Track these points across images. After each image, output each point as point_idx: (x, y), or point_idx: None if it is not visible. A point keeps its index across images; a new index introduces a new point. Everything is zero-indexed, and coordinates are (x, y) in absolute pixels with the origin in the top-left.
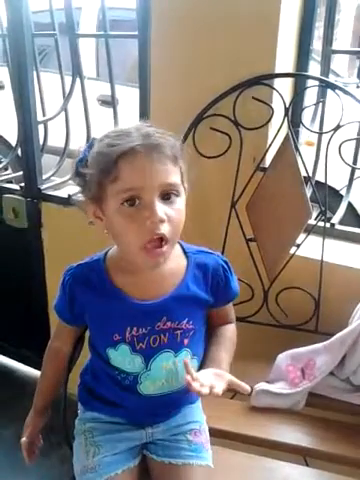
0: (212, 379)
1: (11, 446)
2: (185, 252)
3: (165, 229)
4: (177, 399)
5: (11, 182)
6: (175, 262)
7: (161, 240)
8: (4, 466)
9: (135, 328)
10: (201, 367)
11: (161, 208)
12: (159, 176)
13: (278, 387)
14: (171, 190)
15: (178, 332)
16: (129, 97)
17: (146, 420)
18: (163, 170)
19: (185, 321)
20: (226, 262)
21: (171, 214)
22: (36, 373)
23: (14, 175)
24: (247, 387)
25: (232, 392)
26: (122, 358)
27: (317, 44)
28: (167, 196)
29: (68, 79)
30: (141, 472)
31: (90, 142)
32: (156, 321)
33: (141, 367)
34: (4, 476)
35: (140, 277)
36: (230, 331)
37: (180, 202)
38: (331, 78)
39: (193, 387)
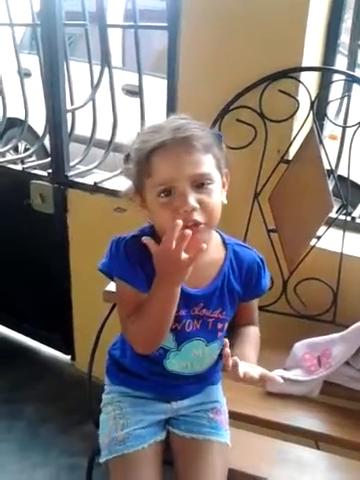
0: (245, 368)
1: (32, 422)
2: (225, 243)
3: (199, 216)
4: (199, 380)
5: (36, 169)
6: (215, 251)
7: (196, 226)
8: (26, 441)
9: None
10: None
11: (193, 197)
12: (189, 168)
13: (294, 374)
14: (203, 179)
15: (210, 320)
16: (153, 87)
17: (171, 394)
18: (192, 162)
19: (218, 310)
20: (262, 259)
21: (205, 200)
22: (58, 354)
23: (39, 162)
24: (279, 380)
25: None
26: None
27: (345, 38)
28: (201, 184)
29: (95, 68)
30: (165, 449)
31: (134, 137)
32: (193, 306)
33: (173, 344)
34: (25, 450)
35: None
36: (255, 334)
37: (215, 188)
38: (357, 72)
39: (229, 363)
